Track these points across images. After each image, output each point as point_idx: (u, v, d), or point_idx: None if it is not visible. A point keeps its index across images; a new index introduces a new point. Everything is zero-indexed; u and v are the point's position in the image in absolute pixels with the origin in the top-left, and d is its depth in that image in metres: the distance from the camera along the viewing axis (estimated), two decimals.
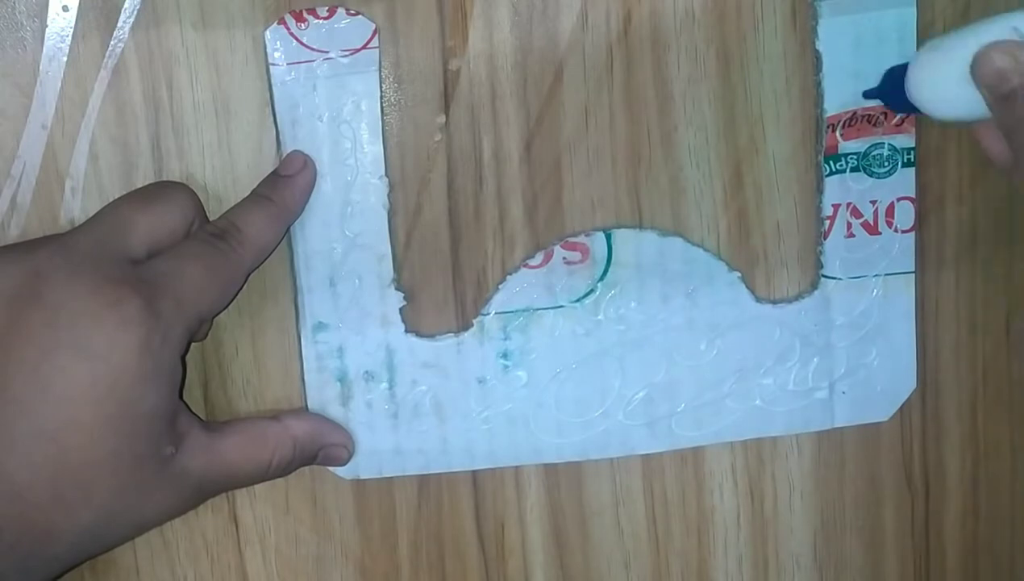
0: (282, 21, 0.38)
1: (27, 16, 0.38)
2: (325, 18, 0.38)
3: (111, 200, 0.38)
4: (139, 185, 0.39)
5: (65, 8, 0.38)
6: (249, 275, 0.37)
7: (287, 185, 0.39)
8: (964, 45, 0.34)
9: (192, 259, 0.36)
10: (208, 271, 0.36)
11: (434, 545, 0.42)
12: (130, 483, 0.35)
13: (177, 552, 0.41)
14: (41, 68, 0.38)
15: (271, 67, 0.38)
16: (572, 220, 0.40)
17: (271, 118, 0.39)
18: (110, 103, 0.38)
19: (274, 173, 0.39)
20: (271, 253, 0.38)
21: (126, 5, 0.38)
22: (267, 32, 0.38)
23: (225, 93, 0.39)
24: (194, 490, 0.37)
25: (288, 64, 0.38)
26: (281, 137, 0.39)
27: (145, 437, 0.35)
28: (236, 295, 0.37)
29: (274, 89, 0.38)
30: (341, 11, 0.38)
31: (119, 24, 0.38)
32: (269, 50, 0.38)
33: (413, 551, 0.42)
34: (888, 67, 0.38)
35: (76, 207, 0.39)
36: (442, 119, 0.39)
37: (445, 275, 0.40)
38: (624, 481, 0.42)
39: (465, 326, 0.41)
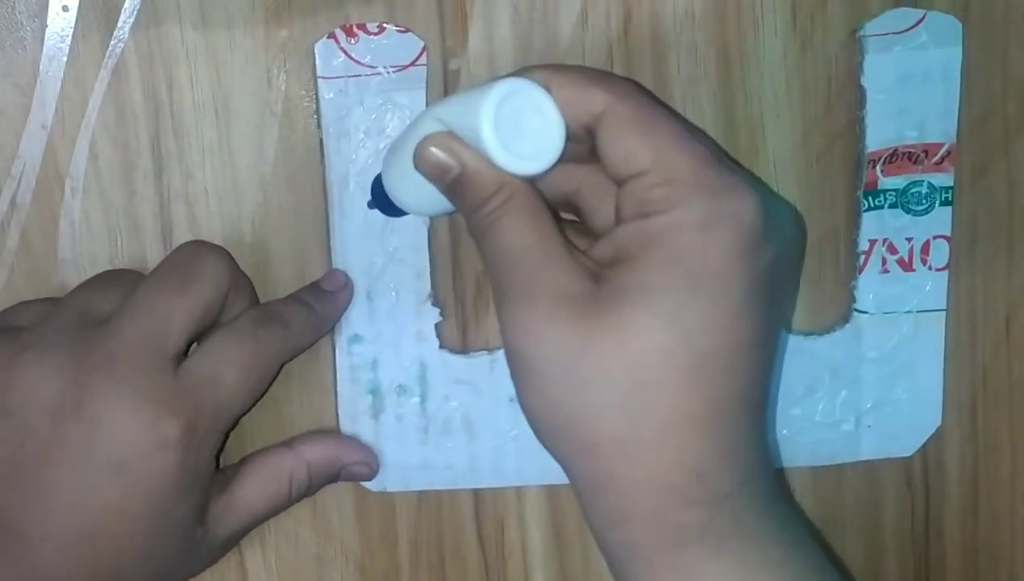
0: (332, 35, 0.38)
1: (27, 16, 0.38)
2: (375, 34, 0.38)
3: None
4: (139, 185, 0.39)
5: (65, 8, 0.38)
6: (282, 367, 0.38)
7: (330, 299, 0.39)
8: (407, 146, 0.34)
9: (232, 359, 0.36)
10: (247, 371, 0.36)
11: (434, 545, 0.42)
12: (162, 572, 0.36)
13: None
14: (41, 68, 0.38)
15: (319, 80, 0.38)
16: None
17: (271, 118, 0.39)
18: (110, 103, 0.38)
19: (316, 285, 0.39)
20: (302, 353, 0.39)
21: (126, 5, 0.38)
22: (317, 45, 0.38)
23: (225, 93, 0.39)
24: (222, 548, 0.38)
25: (337, 78, 0.38)
26: (325, 149, 0.39)
27: (177, 535, 0.36)
28: (269, 387, 0.37)
29: (321, 103, 0.39)
30: (391, 28, 0.38)
31: (119, 24, 0.38)
32: (318, 63, 0.38)
33: (413, 551, 0.42)
34: (375, 176, 0.38)
35: (76, 207, 0.39)
36: None
37: (445, 275, 0.40)
38: None
39: (499, 345, 0.41)
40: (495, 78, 0.33)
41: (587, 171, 0.34)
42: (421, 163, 0.33)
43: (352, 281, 0.39)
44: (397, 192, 0.36)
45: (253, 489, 0.38)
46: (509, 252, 0.32)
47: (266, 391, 0.37)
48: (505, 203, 0.32)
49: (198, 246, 0.38)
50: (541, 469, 0.41)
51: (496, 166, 0.32)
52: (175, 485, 0.34)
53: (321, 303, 0.39)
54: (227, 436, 0.37)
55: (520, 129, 0.32)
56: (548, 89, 0.32)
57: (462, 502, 0.42)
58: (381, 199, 0.37)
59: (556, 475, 0.41)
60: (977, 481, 0.43)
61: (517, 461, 0.41)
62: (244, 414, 0.37)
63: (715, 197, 0.31)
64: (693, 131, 0.33)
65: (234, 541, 0.39)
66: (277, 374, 0.38)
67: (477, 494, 0.42)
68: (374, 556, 0.42)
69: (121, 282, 0.37)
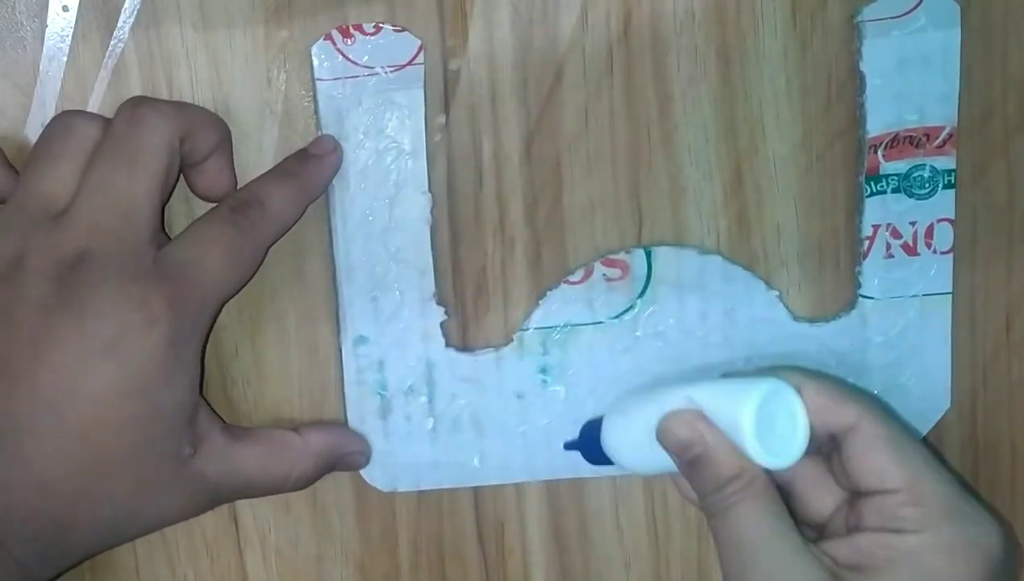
0: (328, 37, 0.38)
1: (27, 16, 0.38)
2: (371, 34, 0.38)
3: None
4: None
5: (65, 8, 0.38)
6: (268, 249, 0.37)
7: (316, 163, 0.39)
8: (647, 414, 0.36)
9: (213, 243, 0.36)
10: (229, 254, 0.36)
11: (434, 545, 0.42)
12: (148, 481, 0.36)
13: (177, 552, 0.41)
14: (41, 68, 0.38)
15: (317, 82, 0.38)
16: (572, 220, 0.40)
17: (271, 118, 0.39)
18: (110, 103, 0.38)
19: (303, 151, 0.39)
20: (291, 228, 0.38)
21: (126, 5, 0.38)
22: (313, 48, 0.38)
23: (225, 93, 0.39)
24: (209, 494, 0.38)
25: (335, 79, 0.38)
26: None
27: (165, 435, 0.35)
28: (256, 271, 0.37)
29: (320, 104, 0.39)
30: (387, 27, 0.38)
31: (119, 24, 0.38)
32: (315, 65, 0.38)
33: (413, 551, 0.42)
34: (586, 420, 0.40)
35: None
36: (442, 119, 0.39)
37: (445, 275, 0.40)
38: (624, 481, 0.42)
39: (505, 341, 0.41)
40: (756, 376, 0.35)
41: (804, 462, 0.36)
42: (664, 435, 0.35)
43: (341, 147, 0.39)
44: (617, 449, 0.38)
45: (253, 454, 0.38)
46: (747, 539, 0.34)
47: (252, 276, 0.37)
48: (745, 488, 0.34)
49: (135, 108, 0.36)
50: (550, 464, 0.41)
51: (744, 455, 0.34)
52: (163, 368, 0.34)
53: (308, 169, 0.38)
54: (211, 328, 0.37)
55: (772, 426, 0.34)
56: (799, 393, 0.34)
57: (462, 502, 0.42)
58: (590, 446, 0.39)
59: (564, 470, 0.42)
60: (977, 481, 0.43)
61: (526, 457, 0.41)
62: (229, 298, 0.37)
63: (964, 525, 0.34)
64: (937, 457, 0.35)
65: (220, 496, 0.38)
66: (264, 257, 0.37)
67: (477, 494, 0.42)
68: (374, 556, 0.42)
69: (65, 152, 0.36)
